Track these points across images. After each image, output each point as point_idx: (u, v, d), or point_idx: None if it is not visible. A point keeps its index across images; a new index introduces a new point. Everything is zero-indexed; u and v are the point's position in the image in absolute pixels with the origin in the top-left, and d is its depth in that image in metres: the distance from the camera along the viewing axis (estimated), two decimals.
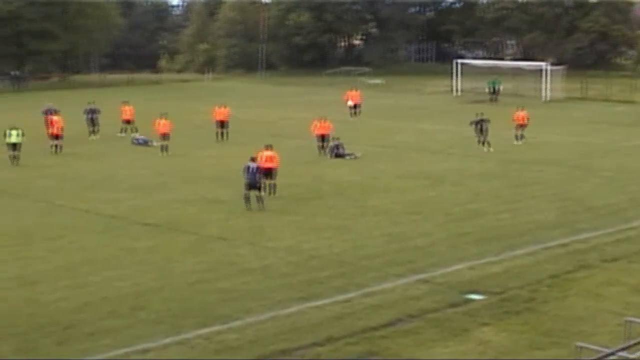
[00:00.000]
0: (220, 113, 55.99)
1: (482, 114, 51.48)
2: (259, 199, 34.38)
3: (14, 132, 46.09)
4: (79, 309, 22.84)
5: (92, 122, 56.73)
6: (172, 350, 19.90)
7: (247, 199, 34.26)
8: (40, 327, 21.48)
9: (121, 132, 57.31)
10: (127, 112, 58.10)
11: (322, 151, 48.12)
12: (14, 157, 45.62)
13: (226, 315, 22.15)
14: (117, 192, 38.67)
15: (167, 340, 20.48)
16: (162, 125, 50.43)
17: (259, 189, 34.61)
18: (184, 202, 35.75)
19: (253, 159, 34.95)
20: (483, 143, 49.50)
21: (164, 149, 49.76)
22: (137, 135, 54.61)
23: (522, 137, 52.46)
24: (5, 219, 33.61)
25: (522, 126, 52.68)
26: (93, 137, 56.10)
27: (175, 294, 24.01)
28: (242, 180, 34.67)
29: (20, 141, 46.10)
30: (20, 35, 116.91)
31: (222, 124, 55.55)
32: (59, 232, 31.54)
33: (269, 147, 37.19)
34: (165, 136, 50.17)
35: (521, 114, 53.03)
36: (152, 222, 32.53)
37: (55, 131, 51.13)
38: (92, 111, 57.12)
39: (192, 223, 32.39)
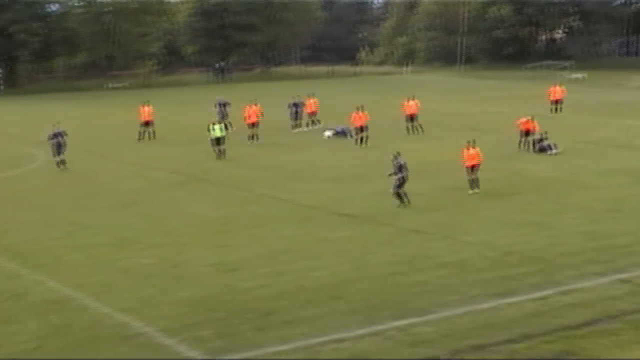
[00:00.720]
0: (409, 107, 55.86)
1: None
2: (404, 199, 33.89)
3: (217, 127, 47.13)
4: (277, 296, 23.31)
5: (296, 116, 57.56)
6: (367, 341, 20.03)
7: (398, 195, 33.81)
8: (240, 313, 22.03)
9: (307, 125, 58.05)
10: (312, 105, 58.52)
11: (523, 146, 47.32)
12: (219, 151, 46.56)
13: (421, 308, 22.14)
14: (316, 182, 39.24)
15: (362, 331, 20.63)
16: (359, 117, 50.85)
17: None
18: (381, 194, 35.87)
19: (396, 155, 34.13)
20: None
21: (361, 140, 50.24)
22: (336, 127, 55.01)
23: None
24: (208, 207, 34.63)
25: None
26: (295, 130, 56.86)
27: (371, 285, 24.17)
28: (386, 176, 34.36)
29: (223, 135, 47.03)
30: (226, 28, 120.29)
31: (412, 118, 55.41)
32: (259, 220, 32.27)
33: (471, 143, 36.76)
34: (362, 128, 50.60)
35: None
36: (349, 213, 32.84)
37: (253, 120, 52.42)
38: (296, 104, 57.97)
39: (388, 215, 32.50)
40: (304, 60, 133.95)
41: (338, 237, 29.35)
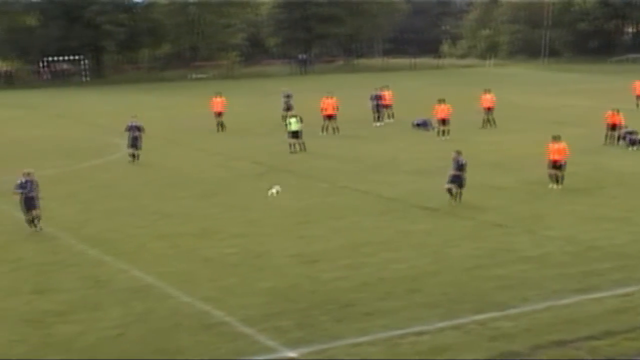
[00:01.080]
0: (485, 100, 55.40)
1: None
2: (457, 197, 33.22)
3: (293, 120, 46.95)
4: (357, 288, 23.38)
5: (377, 109, 57.36)
6: (447, 335, 19.99)
7: (450, 191, 33.13)
8: (320, 304, 22.14)
9: (388, 117, 57.91)
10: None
11: (609, 140, 46.65)
12: (295, 144, 46.29)
13: (502, 302, 22.02)
14: (397, 174, 39.20)
15: (442, 324, 20.60)
16: (441, 110, 50.68)
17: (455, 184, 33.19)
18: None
19: (458, 152, 33.61)
20: None
21: (442, 133, 50.11)
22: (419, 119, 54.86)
23: None
24: (290, 198, 34.80)
25: None
26: (377, 123, 56.66)
27: (451, 279, 24.10)
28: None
29: (299, 128, 46.69)
30: (308, 19, 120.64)
31: (489, 110, 54.97)
32: (340, 212, 32.36)
33: (557, 138, 36.20)
34: (444, 121, 50.45)
35: None
36: (430, 205, 32.75)
37: (329, 112, 52.52)
38: (378, 97, 57.65)
39: (469, 208, 32.35)
40: (386, 53, 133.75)
41: (419, 230, 29.31)
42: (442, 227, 29.76)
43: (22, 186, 29.41)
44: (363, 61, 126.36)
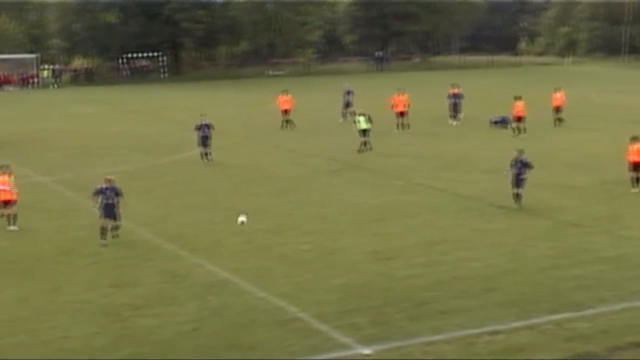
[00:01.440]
0: (556, 99, 54.72)
1: None
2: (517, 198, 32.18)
3: (362, 119, 46.12)
4: (431, 286, 23.31)
5: (455, 107, 56.68)
6: (522, 334, 19.83)
7: (516, 196, 32.24)
8: (395, 301, 22.12)
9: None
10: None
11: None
12: (365, 142, 45.68)
13: (578, 302, 21.78)
14: (473, 173, 38.98)
15: (517, 324, 20.45)
16: (518, 107, 50.31)
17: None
18: (539, 186, 35.35)
19: (520, 152, 32.45)
20: None
21: (518, 130, 49.73)
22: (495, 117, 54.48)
23: None
24: (365, 195, 34.83)
25: None
26: (452, 122, 56.06)
27: (527, 278, 23.91)
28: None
29: (369, 127, 45.89)
30: (385, 17, 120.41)
31: (558, 109, 54.30)
32: (416, 209, 32.29)
33: (636, 139, 34.89)
34: (520, 119, 50.08)
35: None
36: (506, 204, 32.48)
37: (400, 109, 52.44)
38: (456, 96, 56.78)
39: (546, 208, 32.05)
40: (463, 50, 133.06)
41: (495, 229, 29.13)
42: (518, 226, 29.53)
43: (100, 191, 28.31)
44: (440, 59, 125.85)
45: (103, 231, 28.11)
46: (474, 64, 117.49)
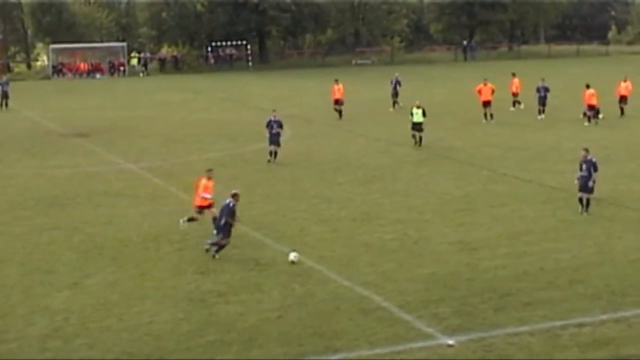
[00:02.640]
0: (622, 88, 53.59)
1: None
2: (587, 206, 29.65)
3: (416, 111, 44.49)
4: (516, 277, 23.14)
5: (543, 101, 54.99)
6: (609, 327, 19.59)
7: (581, 201, 29.75)
8: (479, 292, 22.01)
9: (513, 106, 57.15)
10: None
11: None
12: (416, 136, 44.23)
13: None
14: (560, 163, 38.47)
15: (604, 317, 20.20)
16: (588, 96, 49.84)
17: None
18: (629, 177, 34.85)
19: (587, 151, 29.87)
20: None
21: (588, 119, 49.51)
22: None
23: None
24: (450, 185, 34.66)
25: None
26: (541, 116, 54.84)
27: (615, 271, 23.58)
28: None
29: (422, 120, 44.24)
30: (472, 5, 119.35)
31: (623, 99, 53.21)
32: (502, 200, 32.04)
33: None
34: (591, 107, 50.00)
35: None
36: (593, 196, 32.00)
37: (486, 98, 52.11)
38: (544, 89, 55.31)
39: (636, 200, 31.53)
40: (550, 39, 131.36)
41: (582, 220, 28.77)
42: (607, 217, 29.13)
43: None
44: (527, 48, 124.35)
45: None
46: (562, 53, 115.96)
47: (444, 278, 23.17)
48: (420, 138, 44.19)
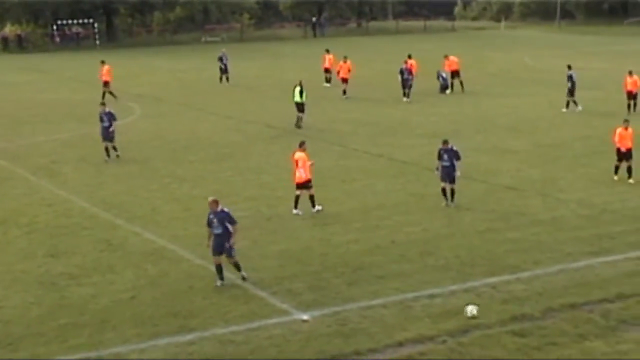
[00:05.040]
0: (451, 63, 54.19)
1: None
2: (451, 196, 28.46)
3: (296, 91, 42.99)
4: (369, 251, 23.42)
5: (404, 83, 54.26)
6: (459, 297, 20.02)
7: (444, 192, 28.71)
8: (332, 267, 22.20)
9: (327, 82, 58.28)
10: (327, 61, 58.79)
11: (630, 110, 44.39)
12: (298, 118, 42.99)
13: (514, 265, 22.04)
14: (410, 138, 39.08)
15: (454, 287, 20.64)
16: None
17: None
18: (476, 150, 35.60)
19: (446, 142, 28.54)
20: None
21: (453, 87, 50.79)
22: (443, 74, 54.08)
23: None
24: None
25: None
26: (405, 99, 54.53)
27: (464, 242, 24.10)
28: None
29: (303, 101, 42.83)
30: None
31: (453, 74, 54.28)
32: (353, 175, 32.35)
33: (628, 122, 31.46)
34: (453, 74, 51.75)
35: None
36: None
37: (343, 75, 52.54)
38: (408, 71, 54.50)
39: (483, 172, 32.27)
40: (398, 15, 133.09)
41: (431, 193, 29.22)
42: (456, 190, 29.63)
43: (209, 222, 21.90)
44: (375, 24, 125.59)
45: (219, 270, 21.56)
46: (410, 29, 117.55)
47: (297, 254, 23.27)
48: (299, 118, 42.91)
